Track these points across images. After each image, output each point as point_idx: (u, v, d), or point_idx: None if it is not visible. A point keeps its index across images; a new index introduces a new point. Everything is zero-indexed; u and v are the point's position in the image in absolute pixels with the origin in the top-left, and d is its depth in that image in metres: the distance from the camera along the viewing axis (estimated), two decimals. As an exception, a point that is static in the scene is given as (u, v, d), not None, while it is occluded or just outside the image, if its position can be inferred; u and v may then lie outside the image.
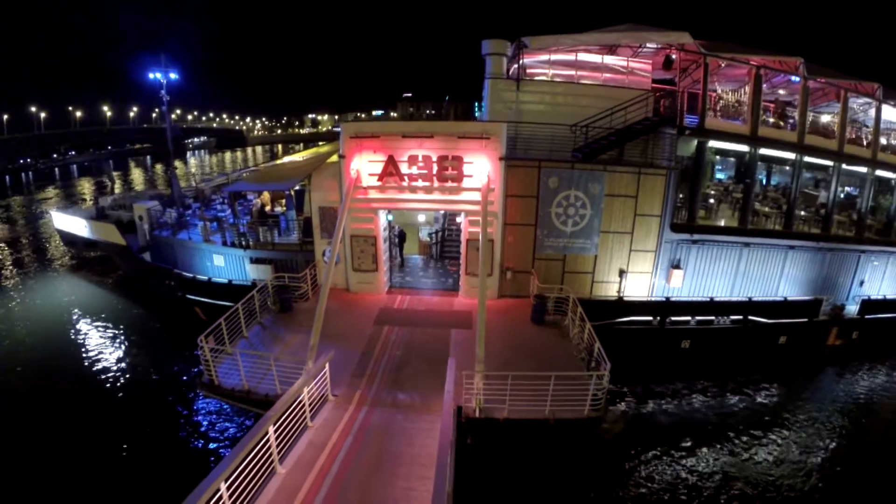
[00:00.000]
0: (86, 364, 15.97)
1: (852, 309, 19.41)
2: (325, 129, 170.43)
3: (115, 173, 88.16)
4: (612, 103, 15.33)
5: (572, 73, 17.01)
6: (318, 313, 10.67)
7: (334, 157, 14.49)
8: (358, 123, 14.28)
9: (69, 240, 27.18)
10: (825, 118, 21.47)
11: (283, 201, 18.82)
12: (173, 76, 24.82)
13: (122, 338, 18.03)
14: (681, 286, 15.97)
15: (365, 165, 13.95)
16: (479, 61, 16.40)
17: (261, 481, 7.10)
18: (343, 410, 9.34)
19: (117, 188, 62.57)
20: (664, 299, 15.41)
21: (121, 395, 14.38)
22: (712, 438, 13.31)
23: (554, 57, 17.15)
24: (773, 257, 17.64)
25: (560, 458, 11.80)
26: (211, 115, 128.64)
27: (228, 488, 6.18)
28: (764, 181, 23.70)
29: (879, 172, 20.12)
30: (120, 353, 16.79)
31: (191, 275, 17.54)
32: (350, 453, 8.10)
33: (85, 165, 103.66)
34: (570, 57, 17.24)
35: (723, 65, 17.29)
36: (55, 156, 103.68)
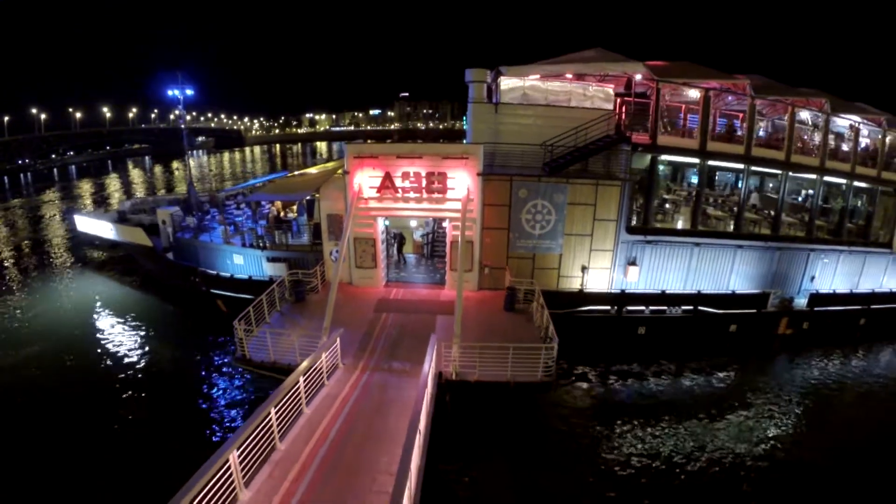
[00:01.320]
0: (122, 351, 19.12)
1: (802, 302, 22.47)
2: (322, 128, 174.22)
3: (114, 174, 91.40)
4: (578, 123, 18.51)
5: (543, 93, 20.12)
6: (329, 300, 13.88)
7: (340, 173, 17.70)
8: (360, 146, 17.48)
9: (92, 241, 30.47)
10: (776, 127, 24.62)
11: (295, 208, 22.04)
12: (189, 92, 28.09)
13: (152, 327, 21.19)
14: (637, 280, 19.15)
15: (366, 180, 17.17)
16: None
17: (292, 417, 10.27)
18: (350, 373, 12.53)
19: (119, 192, 65.84)
20: (619, 291, 18.61)
21: (156, 373, 17.54)
22: (669, 410, 16.07)
23: (529, 79, 20.31)
24: (723, 255, 20.74)
25: (522, 415, 14.96)
26: (209, 115, 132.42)
27: (277, 415, 9.36)
28: (732, 185, 26.82)
29: (829, 178, 23.21)
30: (152, 341, 19.97)
31: (214, 272, 20.78)
32: (357, 401, 11.29)
33: (83, 166, 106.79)
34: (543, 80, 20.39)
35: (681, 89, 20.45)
36: (53, 156, 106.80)
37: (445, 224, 18.07)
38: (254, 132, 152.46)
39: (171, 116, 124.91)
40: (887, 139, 24.51)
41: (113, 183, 77.84)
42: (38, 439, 14.05)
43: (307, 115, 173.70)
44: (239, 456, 7.96)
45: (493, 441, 13.92)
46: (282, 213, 21.75)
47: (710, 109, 19.94)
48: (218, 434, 14.24)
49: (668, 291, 19.38)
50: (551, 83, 20.01)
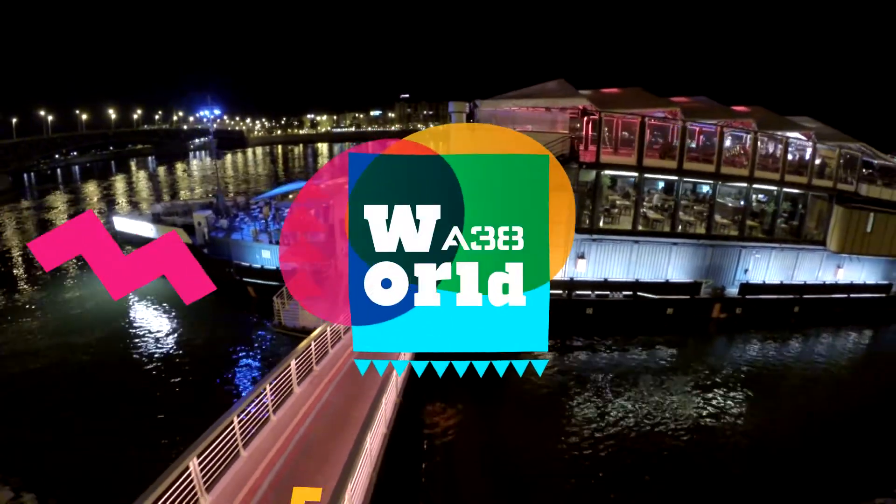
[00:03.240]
0: (168, 330, 24.83)
1: (735, 290, 28.05)
2: (324, 129, 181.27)
3: (120, 175, 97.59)
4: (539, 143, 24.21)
5: (512, 119, 25.95)
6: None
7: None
8: (365, 165, 23.32)
9: (129, 240, 36.39)
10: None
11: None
12: (217, 112, 34.07)
13: (190, 310, 26.96)
14: (585, 271, 24.88)
15: (369, 191, 22.98)
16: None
17: (320, 355, 16.04)
18: (359, 332, 18.36)
19: (133, 194, 72.01)
20: (569, 279, 24.37)
21: (199, 346, 23.26)
22: (615, 376, 21.34)
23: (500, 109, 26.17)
24: (660, 251, 26.42)
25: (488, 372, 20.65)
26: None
27: (318, 343, 15.14)
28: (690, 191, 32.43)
29: (759, 186, 28.76)
30: (192, 321, 25.59)
31: (246, 264, 26.67)
32: (364, 348, 17.11)
33: (87, 166, 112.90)
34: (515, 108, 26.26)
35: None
36: (57, 156, 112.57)
37: (432, 225, 23.84)
38: (256, 133, 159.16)
39: (174, 118, 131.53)
40: (819, 150, 30.03)
41: (121, 185, 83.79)
42: (99, 406, 18.30)
43: (308, 116, 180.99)
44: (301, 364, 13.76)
45: (465, 388, 19.68)
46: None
47: (646, 132, 25.63)
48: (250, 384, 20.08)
49: (610, 279, 25.12)
50: (519, 111, 25.87)
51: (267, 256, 26.32)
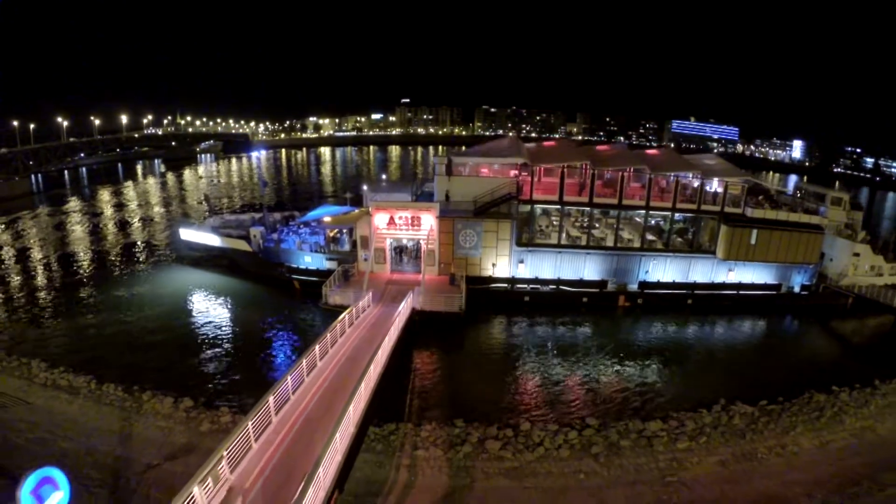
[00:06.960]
0: (234, 313, 39.68)
1: (635, 286, 43.03)
2: (326, 132, 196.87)
3: (129, 181, 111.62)
4: (492, 186, 39.28)
5: (476, 166, 41.04)
6: (364, 278, 34.81)
7: (366, 214, 38.62)
8: (376, 202, 38.36)
9: (191, 247, 51.37)
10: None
11: (340, 231, 42.98)
12: (264, 152, 49.07)
13: (254, 298, 42.04)
14: (523, 272, 39.96)
15: (380, 218, 38.03)
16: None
17: (346, 328, 30.97)
18: (374, 308, 33.43)
19: (125, 200, 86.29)
20: (511, 276, 39.47)
21: (258, 322, 38.27)
22: (547, 342, 36.61)
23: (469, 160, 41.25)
24: (578, 258, 41.42)
25: (456, 338, 35.68)
26: (218, 119, 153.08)
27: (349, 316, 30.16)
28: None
29: (654, 213, 43.57)
30: (255, 305, 40.64)
31: (294, 266, 41.78)
32: (376, 315, 32.14)
33: (94, 169, 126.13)
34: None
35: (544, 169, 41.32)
36: (67, 158, 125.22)
37: (421, 241, 38.96)
38: (260, 136, 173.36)
39: (182, 122, 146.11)
40: (708, 183, 44.40)
41: (136, 190, 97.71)
42: (198, 359, 34.57)
43: (311, 119, 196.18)
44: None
45: (441, 344, 34.77)
46: (334, 233, 42.82)
47: (565, 177, 40.59)
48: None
49: (540, 277, 40.23)
50: (482, 160, 41.08)
51: (309, 261, 41.45)
